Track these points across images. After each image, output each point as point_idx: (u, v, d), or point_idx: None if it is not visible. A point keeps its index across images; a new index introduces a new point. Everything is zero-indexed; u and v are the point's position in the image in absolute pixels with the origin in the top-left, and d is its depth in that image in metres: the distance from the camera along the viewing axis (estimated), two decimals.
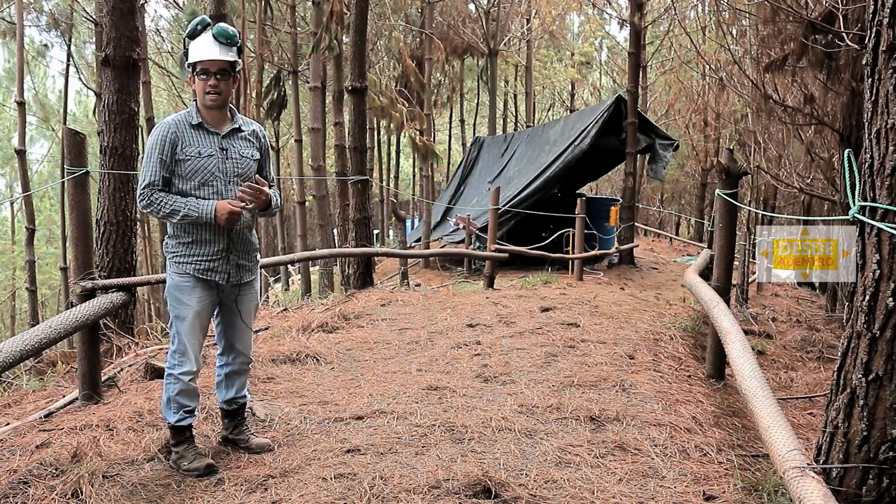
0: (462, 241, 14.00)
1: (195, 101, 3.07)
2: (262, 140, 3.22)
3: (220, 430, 3.36)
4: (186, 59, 3.02)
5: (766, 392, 2.57)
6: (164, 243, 3.14)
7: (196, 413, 3.12)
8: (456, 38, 22.13)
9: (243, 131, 3.13)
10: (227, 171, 3.03)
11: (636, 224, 19.11)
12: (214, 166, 3.00)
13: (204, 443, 3.28)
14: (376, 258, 13.65)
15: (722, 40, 9.55)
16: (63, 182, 4.49)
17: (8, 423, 3.76)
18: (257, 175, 3.07)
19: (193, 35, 3.00)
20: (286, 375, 4.47)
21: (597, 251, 13.00)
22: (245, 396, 3.31)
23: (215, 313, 3.19)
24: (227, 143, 3.05)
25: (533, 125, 24.88)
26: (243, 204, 2.97)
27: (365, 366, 4.76)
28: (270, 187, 3.23)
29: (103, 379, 4.24)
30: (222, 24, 3.03)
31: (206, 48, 2.96)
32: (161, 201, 2.93)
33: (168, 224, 3.07)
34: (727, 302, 4.15)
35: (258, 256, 3.27)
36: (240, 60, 3.06)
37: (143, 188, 2.95)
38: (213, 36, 2.97)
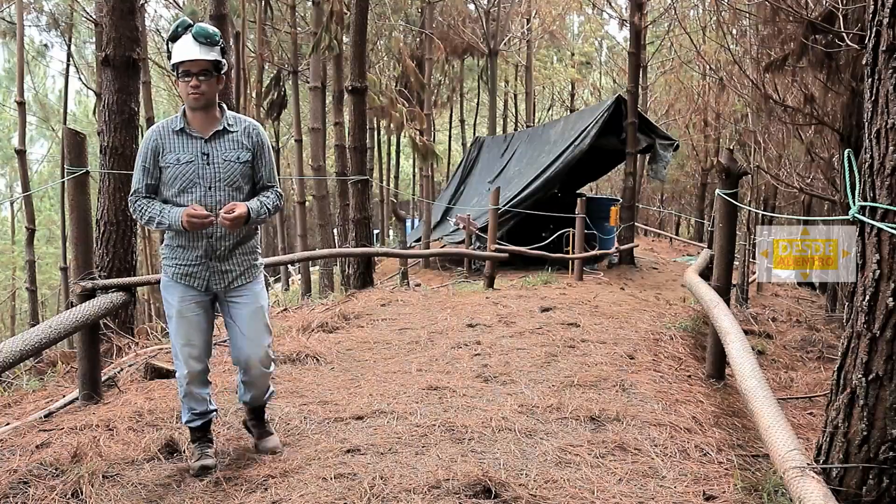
0: (462, 241, 14.00)
1: (184, 104, 3.03)
2: (256, 138, 3.06)
3: (226, 429, 3.38)
4: (170, 62, 2.98)
5: (766, 392, 2.57)
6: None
7: (207, 416, 3.08)
8: (456, 38, 22.14)
9: (232, 132, 3.01)
10: (208, 176, 2.95)
11: (636, 224, 19.11)
12: (193, 173, 2.93)
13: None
14: (376, 258, 13.65)
15: (722, 40, 9.55)
16: (63, 182, 4.49)
17: (8, 423, 3.76)
18: (231, 204, 2.90)
19: (175, 38, 2.95)
20: (286, 375, 4.47)
21: (597, 251, 13.00)
22: (264, 400, 3.23)
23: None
24: (209, 147, 2.96)
25: (533, 125, 24.89)
26: (207, 213, 2.86)
27: (365, 366, 4.75)
28: (266, 188, 3.10)
29: (103, 379, 4.24)
30: (202, 24, 2.97)
31: (186, 49, 2.91)
32: (142, 208, 2.95)
33: None
34: (727, 302, 4.15)
35: (254, 260, 3.12)
36: (224, 60, 2.98)
37: (131, 195, 3.00)
38: (193, 36, 2.91)
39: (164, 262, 3.05)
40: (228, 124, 3.02)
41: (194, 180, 2.94)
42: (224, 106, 3.09)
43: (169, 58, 3.00)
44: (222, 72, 3.00)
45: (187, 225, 2.85)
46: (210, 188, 2.95)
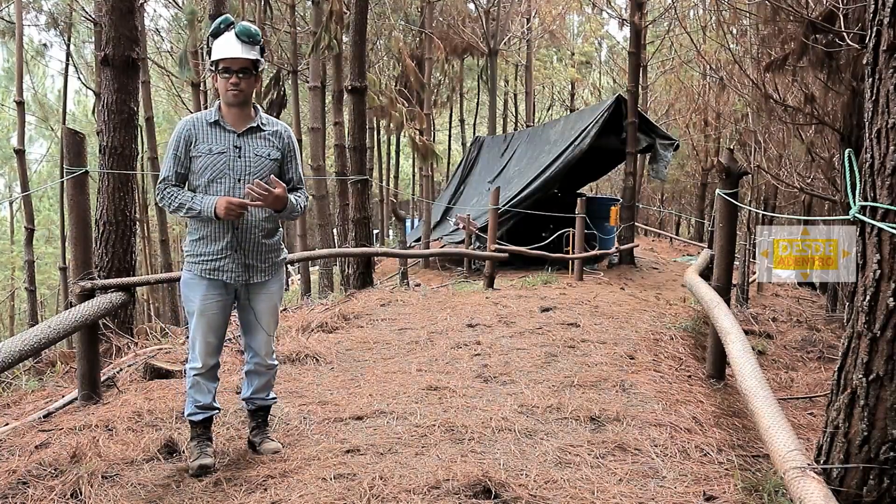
0: (462, 241, 13.99)
1: (218, 99, 3.10)
2: (287, 140, 3.17)
3: (226, 429, 3.40)
4: (210, 58, 3.05)
5: (766, 392, 2.56)
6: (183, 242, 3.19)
7: (210, 412, 3.11)
8: (456, 37, 22.10)
9: (264, 130, 3.11)
10: (238, 169, 3.03)
11: (636, 224, 19.09)
12: (224, 164, 3.01)
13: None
14: (376, 258, 13.64)
15: (722, 40, 9.54)
16: (62, 182, 4.49)
17: (7, 424, 3.76)
18: (272, 176, 3.00)
19: (217, 34, 3.03)
20: (286, 375, 4.46)
21: (597, 251, 12.99)
22: (266, 399, 3.28)
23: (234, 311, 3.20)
24: (241, 141, 3.05)
25: (533, 125, 24.86)
26: (246, 201, 2.93)
27: (365, 366, 4.75)
28: (296, 189, 3.19)
29: (102, 379, 4.24)
30: (245, 23, 3.05)
31: (228, 46, 2.99)
32: (171, 195, 3.00)
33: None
34: (727, 302, 4.15)
35: (277, 258, 3.20)
36: (262, 60, 3.08)
37: (159, 182, 3.05)
38: (236, 34, 2.99)
39: (188, 258, 3.09)
40: (262, 123, 3.13)
41: (224, 171, 3.02)
42: (258, 106, 3.17)
43: (208, 54, 3.07)
44: (260, 70, 3.09)
45: (223, 212, 2.91)
46: (239, 180, 3.03)
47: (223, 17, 3.08)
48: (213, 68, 3.04)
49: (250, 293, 3.13)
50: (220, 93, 3.04)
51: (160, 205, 3.07)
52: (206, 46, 3.11)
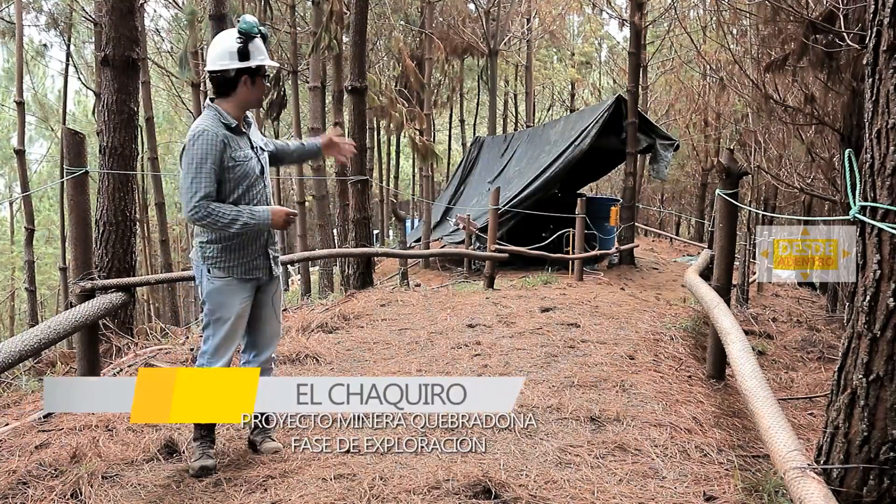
0: (462, 242, 13.99)
1: (212, 100, 3.01)
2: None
3: (226, 429, 3.40)
4: (241, 60, 2.90)
5: (766, 392, 2.56)
6: (200, 247, 2.99)
7: None
8: (456, 37, 22.10)
9: (252, 125, 3.15)
10: (264, 170, 3.08)
11: (636, 224, 19.09)
12: (255, 167, 3.03)
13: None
14: (376, 258, 13.64)
15: (722, 40, 9.54)
16: (62, 182, 4.49)
17: (7, 424, 3.75)
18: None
19: (252, 37, 2.92)
20: (286, 376, 4.46)
21: (597, 251, 12.98)
22: None
23: None
24: (253, 142, 3.09)
25: (533, 125, 24.85)
26: (295, 212, 3.04)
27: (365, 366, 4.75)
28: None
29: None
30: (263, 30, 3.04)
31: (264, 53, 2.99)
32: (218, 212, 2.83)
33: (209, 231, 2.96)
34: (727, 302, 4.14)
35: (279, 247, 3.31)
36: None
37: (198, 201, 2.81)
38: (266, 41, 3.00)
39: (219, 264, 2.97)
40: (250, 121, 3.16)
41: (257, 175, 3.03)
42: None
43: (240, 56, 2.90)
44: None
45: (283, 223, 2.96)
46: (265, 181, 3.07)
47: (253, 20, 2.95)
48: (249, 73, 2.92)
49: (271, 286, 3.17)
50: (248, 97, 2.96)
51: (198, 224, 2.86)
52: (238, 45, 2.89)
